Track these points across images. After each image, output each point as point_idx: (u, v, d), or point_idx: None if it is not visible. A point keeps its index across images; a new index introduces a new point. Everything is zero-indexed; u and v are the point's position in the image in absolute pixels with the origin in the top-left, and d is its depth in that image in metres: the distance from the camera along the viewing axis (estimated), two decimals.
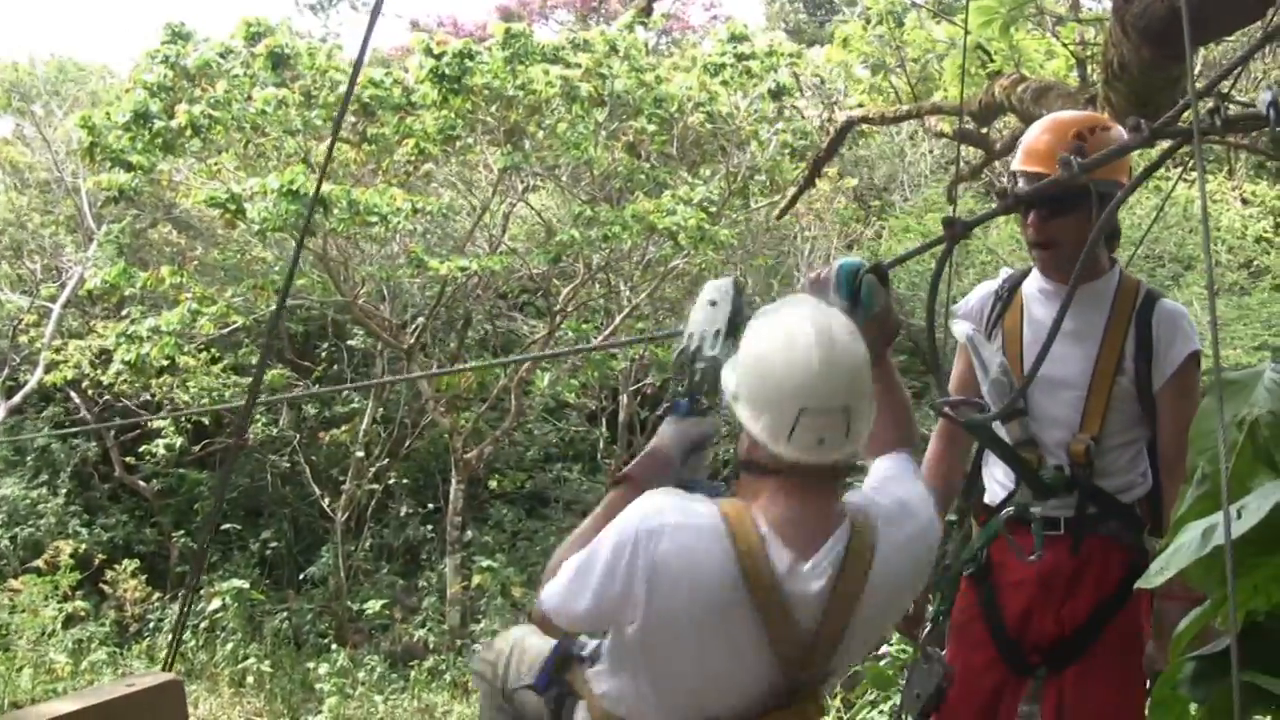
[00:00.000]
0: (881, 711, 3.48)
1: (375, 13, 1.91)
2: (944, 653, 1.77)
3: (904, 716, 1.78)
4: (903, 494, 1.19)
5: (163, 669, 4.74)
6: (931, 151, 10.16)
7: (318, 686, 7.39)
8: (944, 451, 1.92)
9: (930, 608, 1.85)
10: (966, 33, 2.93)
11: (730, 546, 1.03)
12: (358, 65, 2.51)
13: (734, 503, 1.12)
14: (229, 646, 7.93)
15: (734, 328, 1.26)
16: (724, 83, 6.93)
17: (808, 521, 1.07)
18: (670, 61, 8.02)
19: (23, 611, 8.16)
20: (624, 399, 8.37)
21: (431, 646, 7.35)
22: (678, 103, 6.82)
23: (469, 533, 8.09)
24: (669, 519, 1.07)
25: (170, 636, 6.98)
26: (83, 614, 8.41)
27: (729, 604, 1.04)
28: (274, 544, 8.47)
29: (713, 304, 1.28)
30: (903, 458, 1.26)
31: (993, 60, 4.39)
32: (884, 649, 3.50)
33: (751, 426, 1.08)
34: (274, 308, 7.30)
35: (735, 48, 7.22)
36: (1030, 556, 1.69)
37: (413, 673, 7.21)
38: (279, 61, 7.69)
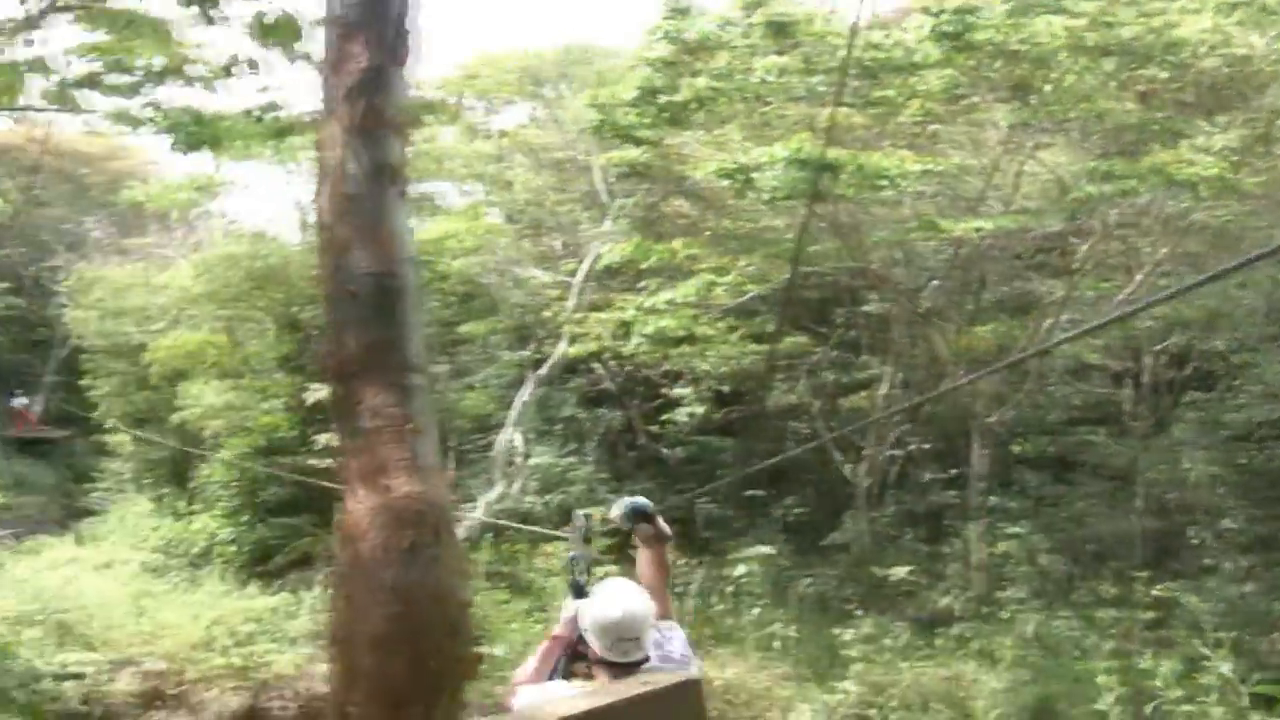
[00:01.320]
0: None
1: None
2: None
3: None
4: (676, 648, 3.62)
5: None
6: None
7: (843, 652, 11.20)
8: None
9: None
10: None
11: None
12: (854, 30, 5.34)
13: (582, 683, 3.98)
14: (755, 611, 12.20)
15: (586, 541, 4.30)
16: (1239, 23, 8.93)
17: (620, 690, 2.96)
18: (1180, 4, 9.99)
19: (557, 575, 13.22)
20: (1147, 360, 10.83)
21: (958, 614, 10.77)
22: (1191, 47, 9.01)
23: (993, 498, 11.37)
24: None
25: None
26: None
27: None
28: (797, 510, 12.69)
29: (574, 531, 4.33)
30: (672, 623, 3.86)
31: None
32: None
33: (594, 644, 3.78)
34: (787, 275, 11.25)
35: None
36: None
37: (939, 640, 10.67)
38: (778, 30, 11.55)
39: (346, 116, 3.87)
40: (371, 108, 3.86)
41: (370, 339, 3.72)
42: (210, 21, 7.79)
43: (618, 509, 4.24)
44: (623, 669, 3.51)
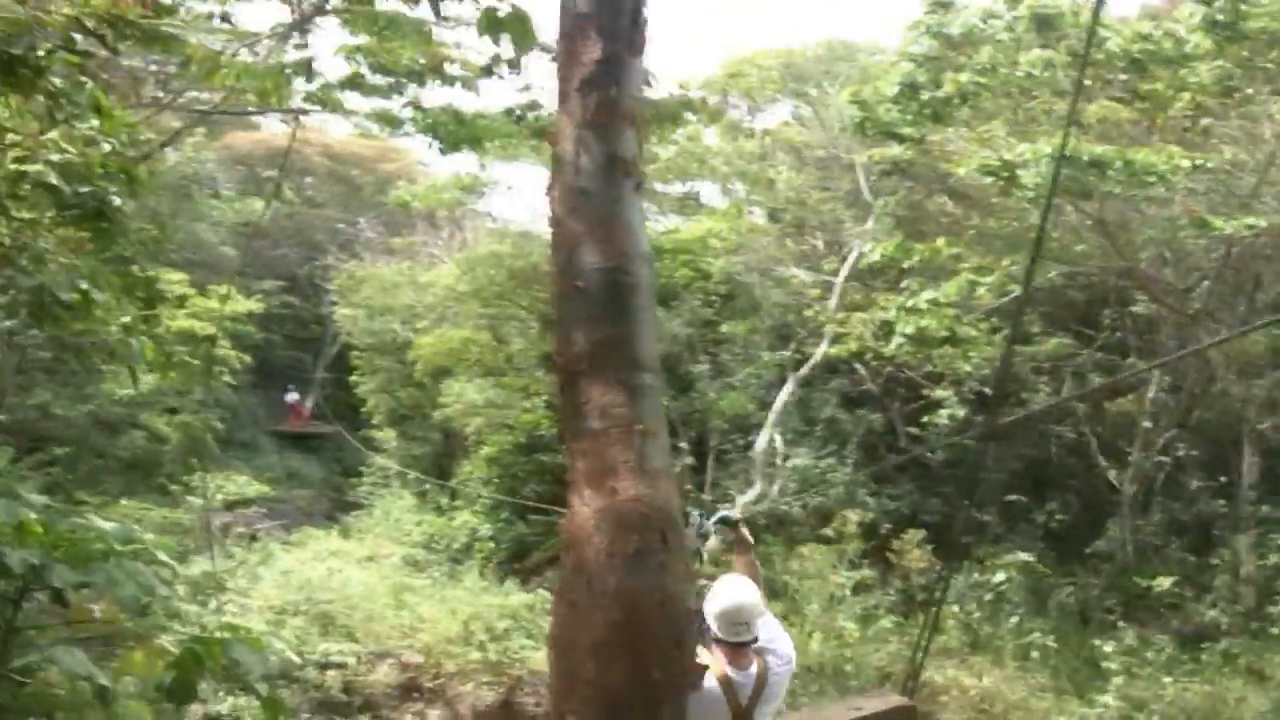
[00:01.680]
0: None
1: None
2: None
3: None
4: (782, 646, 5.00)
5: (901, 691, 7.37)
6: None
7: (1103, 664, 12.10)
8: None
9: None
10: None
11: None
12: (1094, 19, 6.44)
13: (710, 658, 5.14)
14: (1013, 620, 13.24)
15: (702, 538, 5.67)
16: None
17: (741, 663, 4.80)
18: None
19: (812, 578, 14.55)
20: None
21: (1224, 628, 11.56)
22: None
23: (1264, 508, 12.05)
24: None
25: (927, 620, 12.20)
26: (869, 582, 14.62)
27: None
28: (1059, 516, 13.71)
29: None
30: (769, 616, 5.03)
31: None
32: None
33: (714, 627, 4.95)
34: (1053, 275, 12.24)
35: None
36: None
37: (1204, 655, 11.45)
38: (1042, 22, 12.63)
39: (579, 109, 4.11)
40: (604, 100, 4.08)
41: (599, 336, 3.92)
42: (439, 17, 8.58)
43: (712, 520, 5.75)
44: (735, 647, 4.84)
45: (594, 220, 4.01)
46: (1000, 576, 13.44)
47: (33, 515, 4.03)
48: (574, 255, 4.01)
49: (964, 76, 12.96)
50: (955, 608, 13.52)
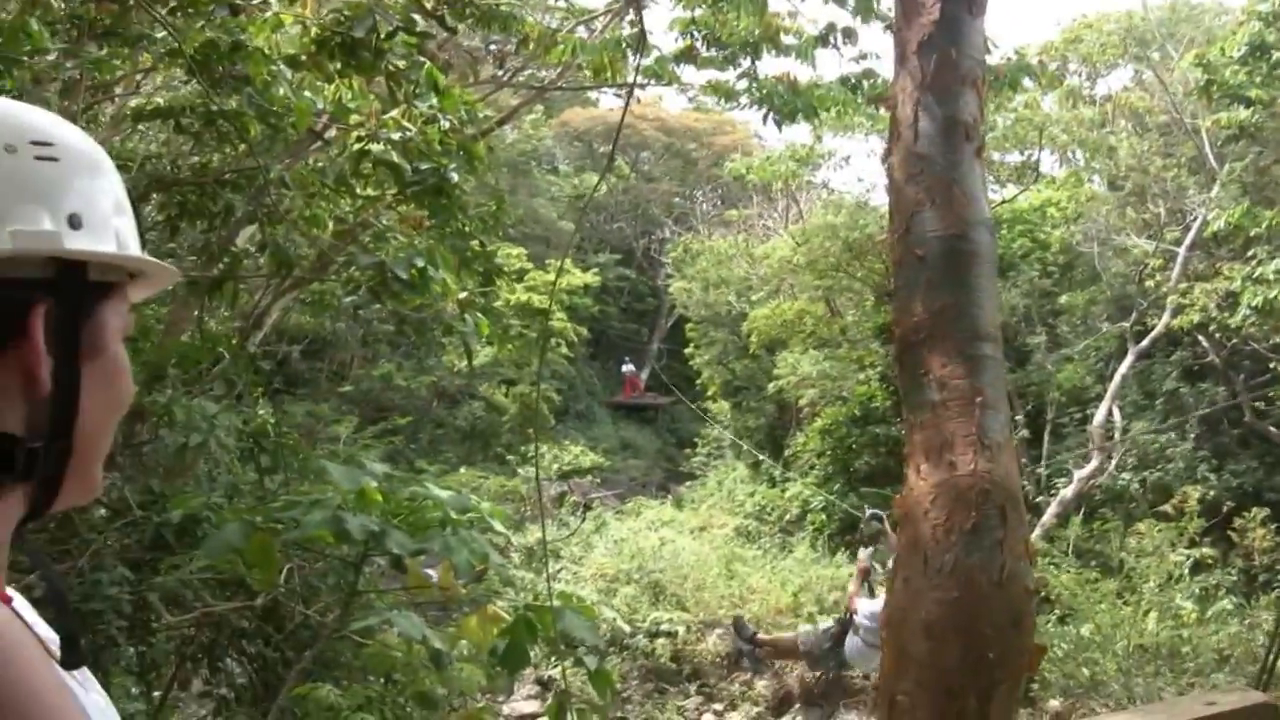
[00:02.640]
0: None
1: None
2: None
3: None
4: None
5: (1256, 685, 7.60)
6: None
7: None
8: None
9: None
10: None
11: None
12: None
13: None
14: None
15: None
16: None
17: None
18: None
19: (1149, 555, 15.36)
20: None
21: None
22: None
23: None
24: None
25: None
26: (1209, 561, 15.40)
27: None
28: None
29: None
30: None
31: None
32: None
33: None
34: None
35: None
36: None
37: None
38: None
39: (918, 71, 4.19)
40: (944, 61, 4.15)
41: (938, 305, 3.98)
42: None
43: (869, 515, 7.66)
44: None
45: (933, 186, 4.08)
46: None
47: (374, 483, 4.33)
48: (913, 222, 4.10)
49: None
50: None
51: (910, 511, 3.93)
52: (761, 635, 12.40)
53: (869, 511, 10.55)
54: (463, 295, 6.78)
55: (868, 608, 10.00)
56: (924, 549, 3.82)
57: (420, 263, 5.94)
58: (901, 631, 3.89)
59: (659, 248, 36.50)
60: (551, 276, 29.37)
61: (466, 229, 7.79)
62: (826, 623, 11.44)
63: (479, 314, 6.87)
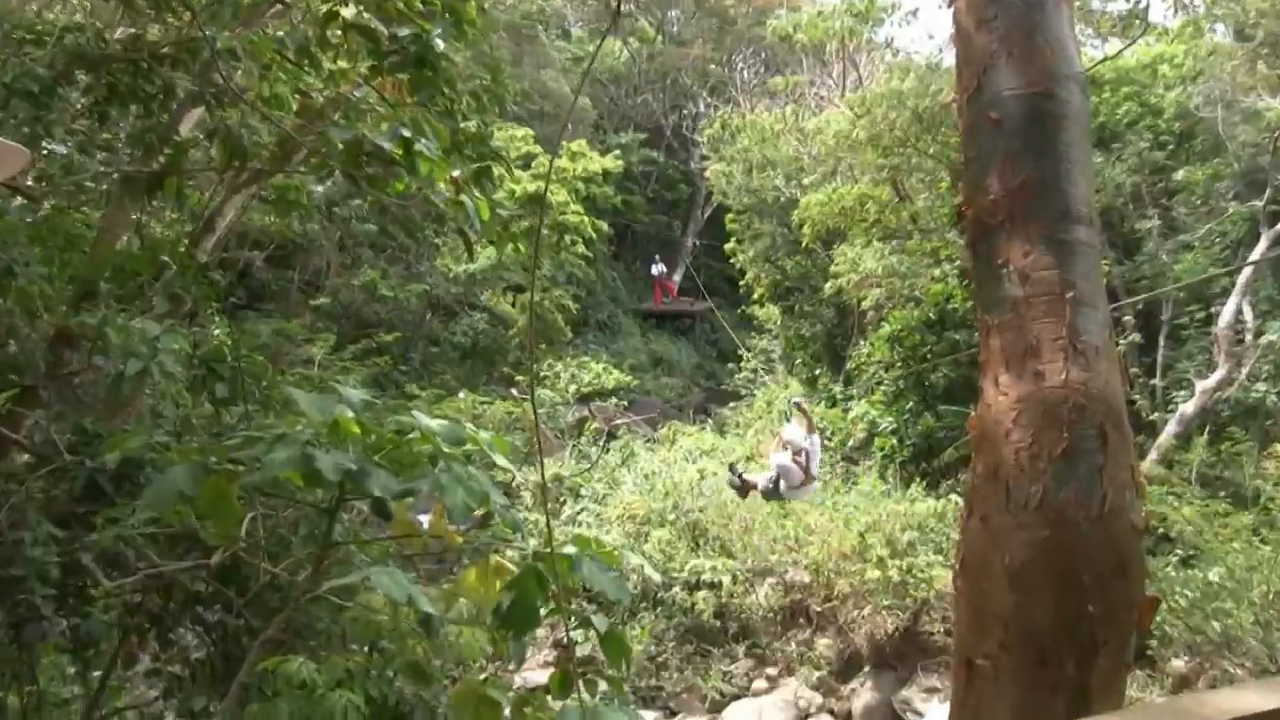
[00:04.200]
0: None
1: None
2: None
3: None
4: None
5: None
6: None
7: None
8: None
9: None
10: None
11: None
12: None
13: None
14: None
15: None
16: None
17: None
18: None
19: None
20: None
21: None
22: None
23: None
24: None
25: None
26: None
27: None
28: None
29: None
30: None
31: None
32: None
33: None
34: None
35: None
36: None
37: None
38: None
39: None
40: None
41: (1019, 180, 3.83)
42: None
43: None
44: None
45: (1011, 33, 3.92)
46: None
47: (350, 414, 4.07)
48: (986, 79, 3.95)
49: None
50: None
51: (987, 433, 3.75)
52: (746, 476, 15.86)
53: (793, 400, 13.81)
54: (456, 173, 6.32)
55: (778, 459, 14.55)
56: (1005, 479, 3.63)
57: (406, 133, 5.62)
58: (979, 582, 3.69)
59: (692, 124, 35.98)
60: (565, 161, 29.02)
61: (457, 107, 7.45)
62: (770, 473, 14.93)
63: (478, 196, 6.41)
